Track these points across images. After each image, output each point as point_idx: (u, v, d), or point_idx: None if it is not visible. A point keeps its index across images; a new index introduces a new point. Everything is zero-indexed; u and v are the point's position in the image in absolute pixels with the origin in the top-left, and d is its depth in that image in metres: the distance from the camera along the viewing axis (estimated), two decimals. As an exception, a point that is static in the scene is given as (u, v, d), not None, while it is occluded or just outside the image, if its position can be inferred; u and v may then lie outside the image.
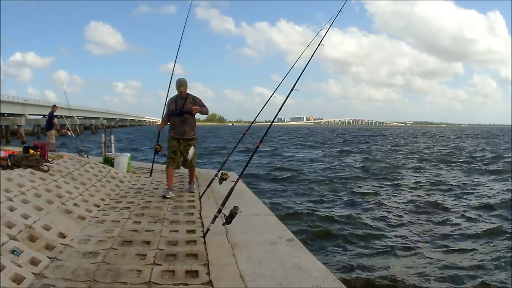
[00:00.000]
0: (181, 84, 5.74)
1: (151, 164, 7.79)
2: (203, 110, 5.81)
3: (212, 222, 3.68)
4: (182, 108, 5.71)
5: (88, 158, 8.79)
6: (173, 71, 6.76)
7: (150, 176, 7.33)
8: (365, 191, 12.17)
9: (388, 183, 13.78)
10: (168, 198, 5.54)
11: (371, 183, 13.75)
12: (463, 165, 19.97)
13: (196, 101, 5.79)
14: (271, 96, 5.73)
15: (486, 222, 8.50)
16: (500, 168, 18.33)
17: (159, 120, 6.01)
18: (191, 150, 5.67)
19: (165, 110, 5.94)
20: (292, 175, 15.28)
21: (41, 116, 47.29)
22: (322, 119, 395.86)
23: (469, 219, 8.72)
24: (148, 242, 3.67)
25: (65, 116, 15.87)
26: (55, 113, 13.66)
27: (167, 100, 5.94)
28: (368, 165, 19.46)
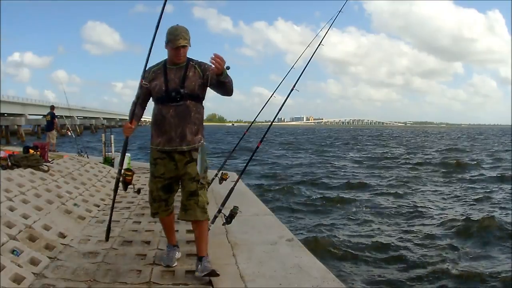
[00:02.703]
0: (179, 33, 2.76)
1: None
2: (229, 83, 2.82)
3: (212, 222, 3.68)
4: (181, 86, 2.83)
5: (88, 158, 8.80)
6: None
7: (107, 240, 3.27)
8: (369, 191, 12.18)
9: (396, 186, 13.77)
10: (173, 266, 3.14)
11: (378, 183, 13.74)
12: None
13: (207, 69, 2.86)
14: (271, 96, 5.72)
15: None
16: None
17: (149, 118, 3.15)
18: (200, 161, 2.80)
19: (138, 91, 2.90)
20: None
21: (41, 116, 47.29)
22: (322, 119, 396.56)
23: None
24: (148, 242, 3.67)
25: (65, 116, 15.85)
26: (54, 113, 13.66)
27: (145, 70, 2.92)
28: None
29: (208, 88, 2.93)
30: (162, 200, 3.03)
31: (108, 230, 3.14)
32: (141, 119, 3.20)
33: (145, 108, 3.06)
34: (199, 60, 2.95)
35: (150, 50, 2.89)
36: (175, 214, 3.13)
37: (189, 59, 2.92)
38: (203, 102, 3.01)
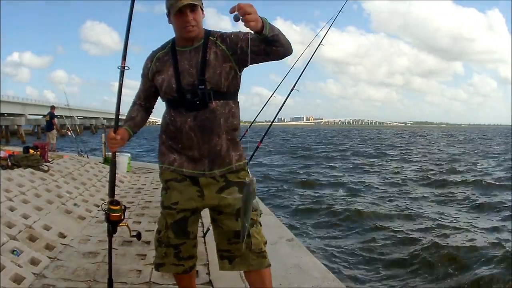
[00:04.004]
0: None
1: (151, 164, 7.52)
2: (282, 35, 1.72)
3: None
4: (201, 80, 1.82)
5: (88, 158, 8.81)
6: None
7: None
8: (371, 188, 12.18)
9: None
10: None
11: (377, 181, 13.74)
12: None
13: (236, 40, 1.82)
14: (271, 96, 5.71)
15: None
16: None
17: (158, 120, 2.37)
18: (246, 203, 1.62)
19: (139, 88, 2.05)
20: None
21: (41, 116, 47.33)
22: (322, 119, 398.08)
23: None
24: (148, 242, 3.67)
25: (65, 116, 15.85)
26: (54, 113, 13.69)
27: (125, 52, 2.03)
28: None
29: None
30: (170, 246, 1.95)
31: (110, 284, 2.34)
32: (153, 120, 2.20)
33: (150, 112, 2.10)
34: (222, 31, 1.90)
35: (126, 42, 2.06)
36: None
37: (208, 32, 1.89)
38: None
